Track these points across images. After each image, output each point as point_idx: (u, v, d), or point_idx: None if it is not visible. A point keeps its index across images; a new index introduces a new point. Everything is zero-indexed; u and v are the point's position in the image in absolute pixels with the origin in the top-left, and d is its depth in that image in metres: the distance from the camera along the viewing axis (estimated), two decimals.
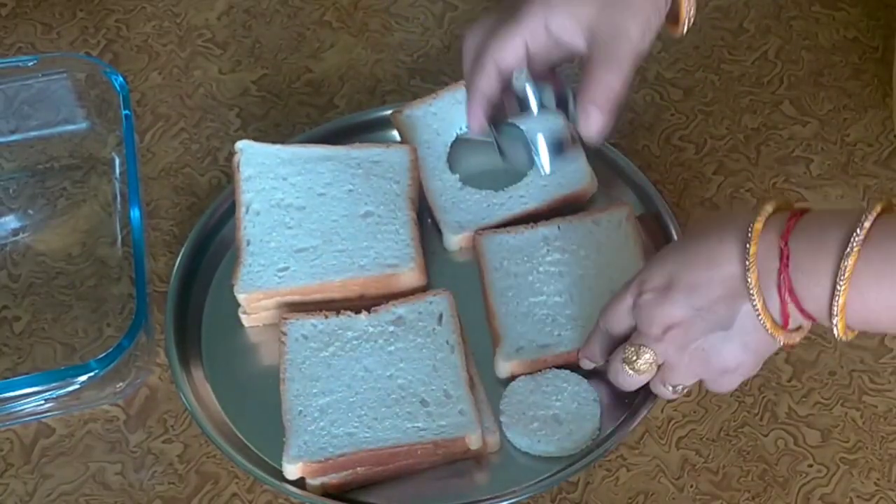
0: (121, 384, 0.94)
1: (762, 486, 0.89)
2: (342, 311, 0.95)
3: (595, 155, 1.01)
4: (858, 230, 0.75)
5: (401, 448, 0.88)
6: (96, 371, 0.89)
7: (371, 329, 0.94)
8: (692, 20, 0.90)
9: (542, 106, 0.90)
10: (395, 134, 1.06)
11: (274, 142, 1.03)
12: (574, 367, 0.93)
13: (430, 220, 1.02)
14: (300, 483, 0.89)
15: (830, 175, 1.04)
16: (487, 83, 0.90)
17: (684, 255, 0.83)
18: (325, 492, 0.89)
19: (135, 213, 0.95)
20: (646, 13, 0.87)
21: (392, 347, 0.93)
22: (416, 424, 0.89)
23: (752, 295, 0.79)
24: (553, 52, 0.90)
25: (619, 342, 0.88)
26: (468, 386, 0.91)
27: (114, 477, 0.92)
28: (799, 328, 0.81)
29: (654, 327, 0.83)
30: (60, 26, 1.18)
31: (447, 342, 0.93)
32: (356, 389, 0.91)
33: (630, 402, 0.91)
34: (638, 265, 0.96)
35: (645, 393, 0.90)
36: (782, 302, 0.78)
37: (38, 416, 0.95)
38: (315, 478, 0.88)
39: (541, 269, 0.96)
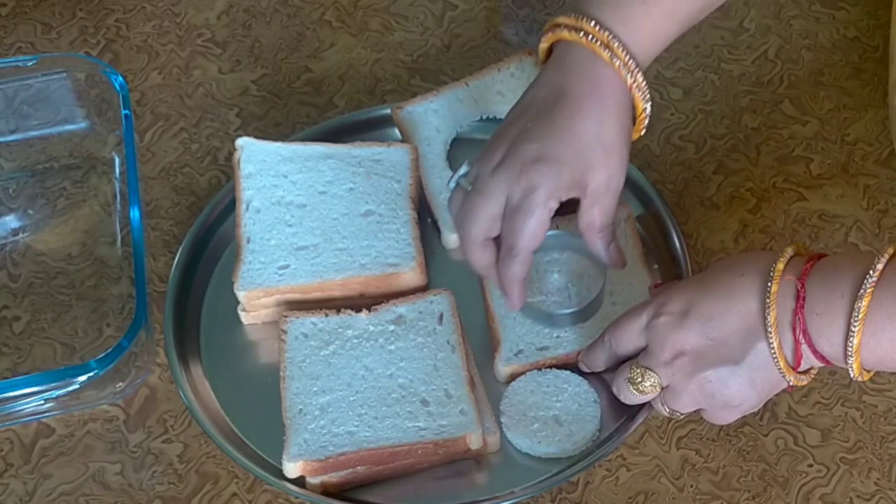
0: (120, 384, 0.94)
1: (762, 486, 0.89)
2: (342, 310, 0.95)
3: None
4: (871, 272, 0.76)
5: (401, 447, 0.88)
6: (96, 371, 0.89)
7: (371, 328, 0.94)
8: (647, 119, 0.90)
9: None
10: (396, 133, 1.06)
11: (274, 140, 1.03)
12: (574, 368, 0.93)
13: (429, 220, 1.02)
14: (300, 482, 0.89)
15: (830, 175, 1.04)
16: (526, 268, 0.89)
17: (705, 284, 0.84)
18: (326, 491, 0.89)
19: (134, 213, 0.95)
20: (626, 153, 0.88)
21: (392, 346, 0.93)
22: (416, 424, 0.89)
23: (770, 333, 0.80)
24: None
25: (624, 357, 0.88)
26: (469, 386, 0.91)
27: (114, 477, 0.92)
28: (808, 370, 0.83)
29: (665, 352, 0.84)
30: (60, 26, 1.17)
31: (448, 342, 0.93)
32: (356, 388, 0.91)
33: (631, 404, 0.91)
34: (637, 265, 0.96)
35: None
36: (796, 342, 0.80)
37: (38, 416, 0.95)
38: (315, 476, 0.88)
39: (540, 269, 0.96)
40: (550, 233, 0.89)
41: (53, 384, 0.91)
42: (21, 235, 1.04)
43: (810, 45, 1.12)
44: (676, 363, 0.83)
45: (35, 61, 1.05)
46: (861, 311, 0.77)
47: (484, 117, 1.06)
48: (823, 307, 0.79)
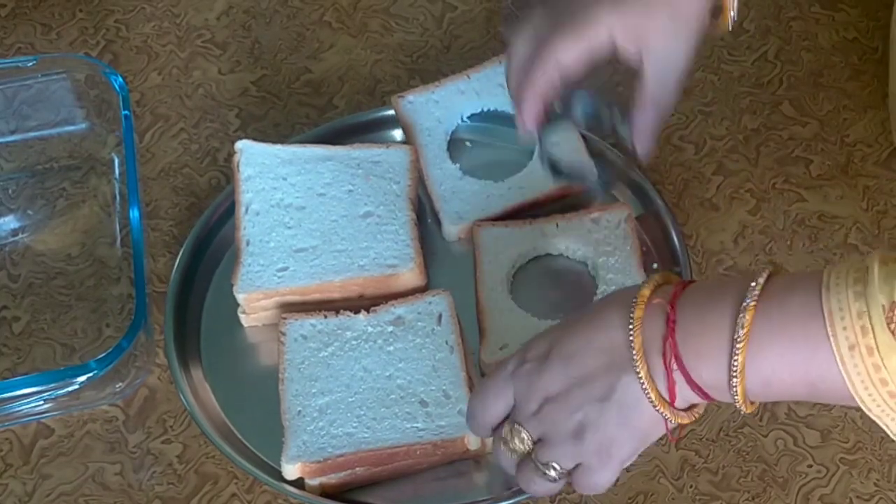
0: (120, 384, 0.94)
1: (762, 487, 0.89)
2: (341, 312, 0.95)
3: (595, 155, 1.01)
4: (753, 284, 0.70)
5: (400, 448, 0.88)
6: (96, 371, 0.89)
7: (370, 329, 0.94)
8: (735, 15, 0.89)
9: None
10: (395, 134, 1.06)
11: (273, 142, 1.03)
12: None
13: (429, 220, 1.02)
14: (299, 483, 0.89)
15: (830, 175, 1.04)
16: (548, 84, 0.86)
17: (568, 324, 0.77)
18: (324, 492, 0.89)
19: (134, 214, 0.95)
20: (696, 29, 0.86)
21: (391, 347, 0.93)
22: (415, 425, 0.89)
23: (636, 362, 0.72)
24: (602, 58, 0.87)
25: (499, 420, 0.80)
26: (467, 386, 0.91)
27: (113, 477, 0.92)
28: (690, 408, 0.74)
29: (531, 402, 0.76)
30: (60, 27, 1.17)
31: (446, 342, 0.93)
32: (355, 389, 0.91)
33: None
34: (636, 266, 0.96)
35: None
36: (668, 370, 0.72)
37: (38, 417, 0.95)
38: (314, 478, 0.88)
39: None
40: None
41: (53, 384, 0.91)
42: (21, 236, 1.05)
43: (810, 46, 1.12)
44: (543, 411, 0.75)
45: (35, 62, 1.05)
46: (745, 323, 0.69)
47: (485, 109, 1.06)
48: (699, 327, 0.71)
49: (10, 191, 1.07)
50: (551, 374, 0.75)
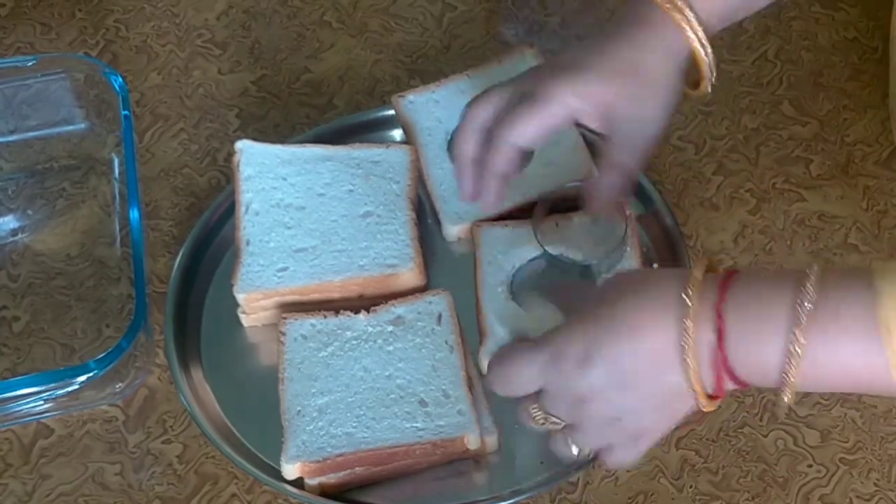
0: (120, 385, 0.94)
1: (762, 487, 0.89)
2: (341, 311, 0.95)
3: (595, 154, 1.01)
4: (806, 293, 0.70)
5: (399, 448, 0.88)
6: (95, 371, 0.89)
7: (370, 329, 0.94)
8: (714, 80, 0.87)
9: None
10: (395, 134, 1.06)
11: (273, 142, 1.03)
12: None
13: (429, 220, 1.02)
14: (299, 483, 0.89)
15: (830, 175, 1.04)
16: (507, 166, 0.87)
17: (606, 322, 0.75)
18: (324, 492, 0.89)
19: (134, 214, 0.95)
20: (666, 96, 0.85)
21: (391, 347, 0.93)
22: (414, 424, 0.89)
23: (688, 370, 0.73)
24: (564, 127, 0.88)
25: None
26: (467, 386, 0.91)
27: (113, 477, 0.92)
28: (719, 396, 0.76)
29: (566, 399, 0.77)
30: (59, 26, 1.17)
31: (446, 342, 0.93)
32: (355, 389, 0.91)
33: None
34: (636, 266, 0.96)
35: None
36: (718, 376, 0.73)
37: (37, 417, 0.95)
38: (313, 478, 0.88)
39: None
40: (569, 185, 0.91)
41: (53, 384, 0.91)
42: (20, 236, 1.04)
43: (810, 46, 1.12)
44: (580, 407, 0.76)
45: (34, 62, 1.05)
46: (798, 344, 0.70)
47: None
48: (751, 337, 0.71)
49: (9, 191, 1.07)
50: (592, 379, 0.75)
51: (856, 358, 0.70)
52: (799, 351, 0.70)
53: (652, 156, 0.89)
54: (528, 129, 0.85)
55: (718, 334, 0.72)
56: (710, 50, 0.85)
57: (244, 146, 1.02)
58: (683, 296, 0.72)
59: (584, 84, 0.84)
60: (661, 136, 0.88)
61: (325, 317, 0.95)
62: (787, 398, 0.72)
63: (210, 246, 1.01)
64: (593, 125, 0.86)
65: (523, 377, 0.78)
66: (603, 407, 0.76)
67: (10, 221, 1.05)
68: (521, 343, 0.81)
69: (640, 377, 0.74)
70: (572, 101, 0.84)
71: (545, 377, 0.77)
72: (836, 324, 0.70)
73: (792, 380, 0.71)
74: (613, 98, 0.84)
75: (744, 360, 0.72)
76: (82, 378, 0.90)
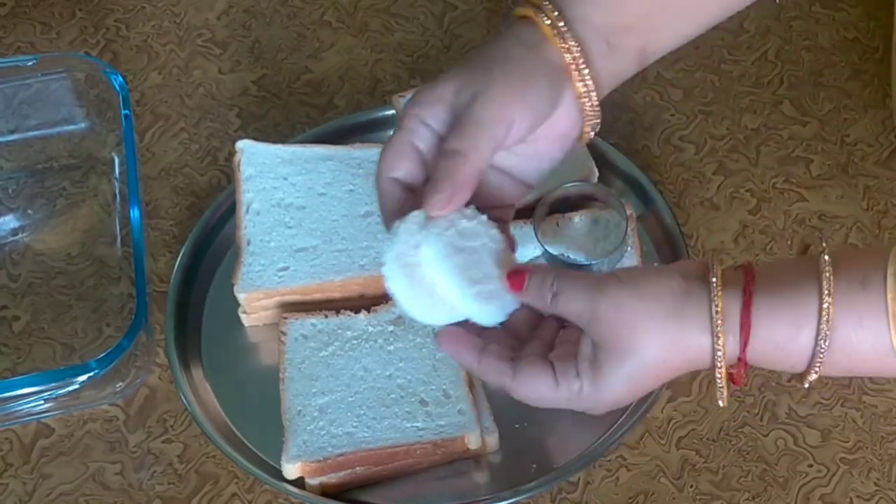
0: (120, 384, 0.94)
1: (762, 486, 0.89)
2: (342, 311, 0.95)
3: (595, 155, 1.01)
4: (825, 281, 0.71)
5: (400, 448, 0.88)
6: (96, 371, 0.89)
7: (371, 329, 0.94)
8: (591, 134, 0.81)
9: None
10: None
11: (274, 141, 1.03)
12: None
13: None
14: (299, 483, 0.89)
15: (830, 175, 1.04)
16: (386, 199, 0.80)
17: (645, 366, 0.74)
18: (324, 491, 0.89)
19: (134, 213, 0.95)
20: (522, 92, 0.78)
21: (391, 347, 0.93)
22: (415, 424, 0.89)
23: (719, 377, 0.73)
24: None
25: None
26: (467, 386, 0.91)
27: (113, 477, 0.92)
28: None
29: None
30: (60, 26, 1.17)
31: None
32: (355, 389, 0.91)
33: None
34: (636, 265, 0.96)
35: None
36: (742, 371, 0.73)
37: (38, 416, 0.95)
38: (314, 477, 0.88)
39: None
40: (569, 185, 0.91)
41: (53, 384, 0.91)
42: (21, 235, 1.04)
43: (810, 45, 1.12)
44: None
45: (35, 61, 1.05)
46: (826, 334, 0.70)
47: None
48: (779, 345, 0.72)
49: (10, 190, 1.07)
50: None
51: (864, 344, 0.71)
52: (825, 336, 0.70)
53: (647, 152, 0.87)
54: (387, 159, 0.80)
55: (742, 339, 0.72)
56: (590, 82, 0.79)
57: (245, 146, 1.02)
58: (712, 305, 0.72)
59: (431, 86, 0.79)
60: (524, 137, 0.79)
61: (326, 316, 0.95)
62: (812, 376, 0.72)
63: (211, 245, 1.01)
64: (438, 122, 0.79)
65: (548, 402, 0.77)
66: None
67: (10, 221, 1.05)
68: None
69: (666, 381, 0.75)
70: (416, 110, 0.79)
71: (571, 405, 0.76)
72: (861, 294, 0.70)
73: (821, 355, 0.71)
74: (451, 94, 0.78)
75: (772, 358, 0.72)
76: (83, 377, 0.90)
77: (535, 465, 0.90)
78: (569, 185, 0.97)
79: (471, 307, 0.76)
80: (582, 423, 0.90)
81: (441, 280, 0.76)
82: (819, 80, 1.10)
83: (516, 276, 0.76)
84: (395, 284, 0.77)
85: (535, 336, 0.79)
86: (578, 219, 0.97)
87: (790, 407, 0.92)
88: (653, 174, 1.04)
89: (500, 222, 0.81)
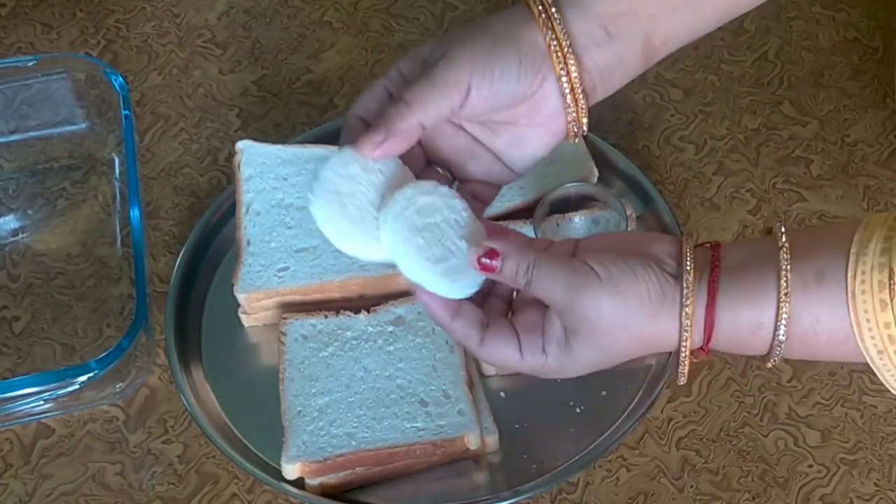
0: (120, 384, 0.94)
1: (762, 487, 0.89)
2: (342, 311, 0.95)
3: (595, 155, 1.01)
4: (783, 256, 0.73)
5: (400, 448, 0.88)
6: (96, 371, 0.89)
7: (370, 329, 0.94)
8: (581, 131, 0.81)
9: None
10: None
11: (274, 142, 1.03)
12: None
13: None
14: (299, 483, 0.89)
15: (830, 175, 1.04)
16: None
17: (609, 346, 0.76)
18: (324, 492, 0.89)
19: (134, 214, 0.95)
20: (474, 76, 0.77)
21: (391, 347, 0.93)
22: (414, 424, 0.89)
23: (683, 354, 0.75)
24: None
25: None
26: (467, 386, 0.91)
27: (113, 477, 0.92)
28: None
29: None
30: (60, 26, 1.18)
31: (446, 342, 0.93)
32: (355, 389, 0.91)
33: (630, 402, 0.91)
34: None
35: (644, 393, 0.91)
36: (706, 348, 0.76)
37: (38, 417, 0.95)
38: (314, 478, 0.88)
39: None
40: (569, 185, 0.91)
41: (53, 384, 0.91)
42: (21, 235, 1.05)
43: (810, 46, 1.12)
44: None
45: (35, 61, 1.05)
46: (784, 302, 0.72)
47: None
48: (738, 326, 0.74)
49: (10, 190, 1.07)
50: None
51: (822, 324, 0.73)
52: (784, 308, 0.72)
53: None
54: (360, 99, 0.81)
55: (707, 322, 0.74)
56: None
57: (245, 146, 1.02)
58: (686, 303, 0.74)
59: (421, 45, 0.82)
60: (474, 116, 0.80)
61: (326, 317, 0.95)
62: (778, 352, 0.74)
63: (211, 246, 1.01)
64: (410, 74, 0.80)
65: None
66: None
67: (10, 221, 1.05)
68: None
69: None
70: (399, 61, 0.81)
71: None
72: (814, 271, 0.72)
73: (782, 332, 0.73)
74: (428, 51, 0.79)
75: (732, 343, 0.75)
76: (83, 378, 0.90)
77: (534, 466, 0.90)
78: (569, 185, 0.97)
79: (438, 286, 0.76)
80: (582, 423, 0.90)
81: (404, 262, 0.76)
82: (819, 80, 1.10)
83: (488, 257, 0.76)
84: (320, 211, 0.77)
85: (494, 292, 0.80)
86: (578, 219, 0.97)
87: (790, 407, 0.92)
88: (653, 174, 1.04)
89: (481, 202, 0.83)
